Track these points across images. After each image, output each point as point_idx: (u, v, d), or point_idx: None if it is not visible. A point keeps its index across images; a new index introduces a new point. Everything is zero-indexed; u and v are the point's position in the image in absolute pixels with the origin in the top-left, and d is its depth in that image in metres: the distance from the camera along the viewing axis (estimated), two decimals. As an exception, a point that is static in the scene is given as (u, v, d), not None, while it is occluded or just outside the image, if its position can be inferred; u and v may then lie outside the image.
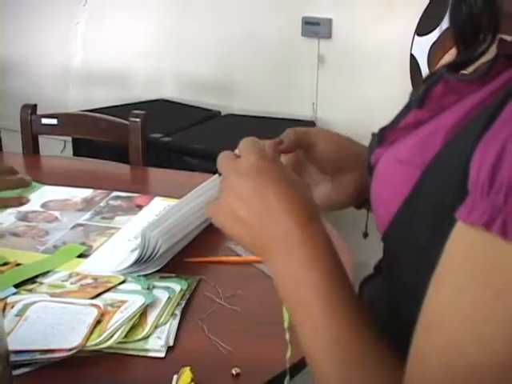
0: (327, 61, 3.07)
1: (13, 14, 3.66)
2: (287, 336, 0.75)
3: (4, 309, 1.26)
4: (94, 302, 1.28)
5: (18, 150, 2.27)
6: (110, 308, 1.26)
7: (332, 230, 1.58)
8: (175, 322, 1.24)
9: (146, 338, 1.19)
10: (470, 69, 0.71)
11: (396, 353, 0.63)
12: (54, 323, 1.21)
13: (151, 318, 1.24)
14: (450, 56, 0.76)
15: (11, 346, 1.02)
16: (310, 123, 3.04)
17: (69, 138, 3.19)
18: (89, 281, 1.38)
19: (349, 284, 0.67)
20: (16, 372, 1.09)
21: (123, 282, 1.37)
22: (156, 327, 1.22)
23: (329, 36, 3.04)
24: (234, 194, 0.71)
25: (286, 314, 0.74)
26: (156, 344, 1.18)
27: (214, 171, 1.85)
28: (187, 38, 3.32)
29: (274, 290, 0.70)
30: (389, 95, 2.74)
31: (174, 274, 1.40)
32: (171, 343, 1.19)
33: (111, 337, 1.17)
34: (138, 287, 1.34)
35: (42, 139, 2.30)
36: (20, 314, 1.25)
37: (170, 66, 3.40)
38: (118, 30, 3.47)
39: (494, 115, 0.55)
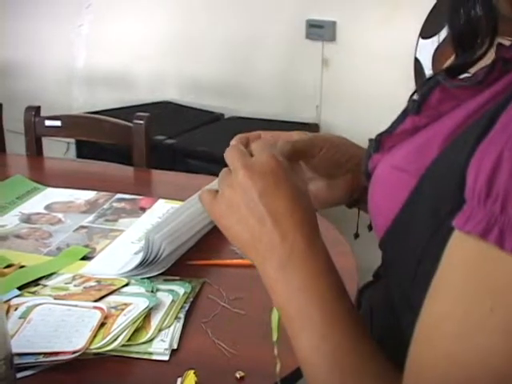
0: (331, 63, 3.07)
1: (16, 16, 3.66)
2: (275, 351, 0.74)
3: (7, 311, 1.26)
4: (98, 304, 1.28)
5: (21, 152, 2.28)
6: (113, 311, 1.26)
7: (333, 229, 1.58)
8: (179, 325, 1.24)
9: (150, 341, 1.19)
10: (472, 71, 0.71)
11: (392, 364, 0.62)
12: (57, 326, 1.21)
13: (155, 321, 1.24)
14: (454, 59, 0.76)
15: (15, 349, 1.02)
16: (314, 126, 3.03)
17: (72, 140, 3.19)
18: (92, 283, 1.37)
19: (347, 295, 0.67)
20: (20, 375, 1.08)
21: (127, 284, 1.36)
22: (160, 330, 1.22)
23: (333, 39, 3.03)
24: (241, 193, 0.68)
25: (276, 327, 0.73)
26: (160, 347, 1.17)
27: (218, 174, 1.85)
28: (191, 41, 3.32)
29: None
30: (393, 98, 2.73)
31: (177, 277, 1.40)
32: (175, 346, 1.18)
33: (115, 340, 1.17)
34: (141, 290, 1.34)
35: (45, 141, 2.30)
36: (24, 316, 1.24)
37: (173, 68, 3.40)
38: (122, 32, 3.47)
39: (491, 123, 0.54)
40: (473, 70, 0.70)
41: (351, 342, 0.63)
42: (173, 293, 1.33)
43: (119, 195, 1.84)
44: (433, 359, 0.52)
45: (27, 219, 1.71)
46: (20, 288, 1.35)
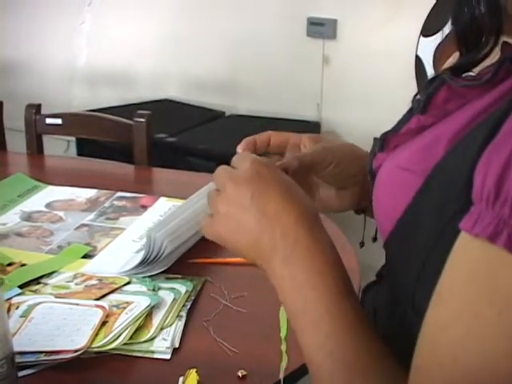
0: (332, 61, 3.06)
1: (17, 14, 3.66)
2: (283, 347, 0.74)
3: (9, 310, 1.25)
4: (99, 303, 1.27)
5: (22, 150, 2.27)
6: (115, 309, 1.25)
7: (337, 231, 1.57)
8: (181, 324, 1.24)
9: (152, 339, 1.19)
10: (476, 69, 0.70)
11: (398, 363, 0.62)
12: (59, 324, 1.21)
13: (157, 320, 1.24)
14: (455, 58, 0.75)
15: (16, 348, 1.02)
16: (315, 124, 3.03)
17: (72, 138, 3.19)
18: (94, 282, 1.37)
19: (353, 291, 0.66)
20: (21, 373, 1.08)
21: (128, 283, 1.36)
22: (162, 329, 1.22)
23: (334, 37, 3.03)
24: (234, 203, 0.69)
25: (285, 323, 0.73)
26: (162, 346, 1.17)
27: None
28: (191, 38, 3.32)
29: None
30: (393, 96, 2.73)
31: (179, 275, 1.40)
32: (177, 345, 1.18)
33: (117, 338, 1.16)
34: (143, 288, 1.34)
35: (45, 139, 2.29)
36: (25, 315, 1.24)
37: (174, 66, 3.40)
38: (123, 29, 3.47)
39: (499, 123, 0.53)
40: (477, 70, 0.70)
41: (357, 341, 0.62)
42: (174, 291, 1.33)
43: (120, 193, 1.84)
44: (439, 364, 0.52)
45: (28, 217, 1.70)
46: (21, 286, 1.35)
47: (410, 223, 0.61)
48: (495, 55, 0.68)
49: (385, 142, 0.71)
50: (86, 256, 1.50)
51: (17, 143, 2.40)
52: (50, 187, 1.88)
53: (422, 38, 2.76)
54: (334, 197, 0.89)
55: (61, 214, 1.73)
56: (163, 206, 1.74)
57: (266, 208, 0.67)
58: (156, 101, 3.33)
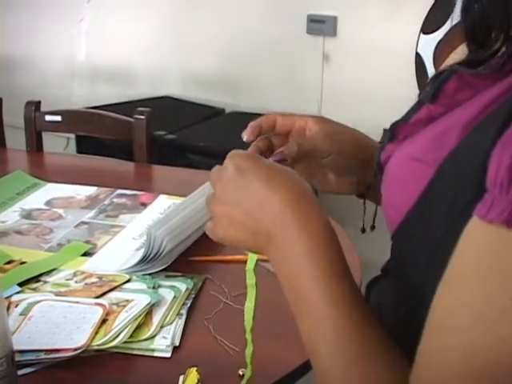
0: (332, 58, 3.06)
1: (17, 11, 3.65)
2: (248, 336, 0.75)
3: (8, 308, 1.25)
4: (99, 301, 1.27)
5: (21, 147, 2.27)
6: (115, 307, 1.25)
7: (335, 225, 1.57)
8: (181, 322, 1.23)
9: (152, 337, 1.18)
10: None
11: (400, 354, 0.61)
12: (58, 322, 1.20)
13: (157, 318, 1.23)
14: (456, 55, 0.75)
15: (16, 346, 1.01)
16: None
17: (72, 135, 3.19)
18: (93, 280, 1.37)
19: (349, 272, 0.66)
20: (21, 372, 1.08)
21: (128, 280, 1.36)
22: (162, 327, 1.21)
23: (334, 34, 3.03)
24: (222, 201, 0.71)
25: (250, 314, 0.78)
26: (162, 344, 1.17)
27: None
28: (192, 35, 3.31)
29: (280, 289, 0.69)
30: (394, 93, 2.73)
31: (179, 273, 1.39)
32: (177, 343, 1.18)
33: (117, 336, 1.16)
34: (143, 286, 1.33)
35: (44, 136, 2.29)
36: (24, 313, 1.24)
37: (174, 63, 3.39)
38: (123, 26, 3.46)
39: (511, 113, 0.53)
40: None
41: (354, 324, 0.62)
42: (175, 289, 1.33)
43: (120, 191, 1.84)
44: (445, 349, 0.52)
45: (28, 215, 1.70)
46: (21, 284, 1.35)
47: (422, 214, 0.61)
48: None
49: (394, 133, 0.71)
50: (86, 254, 1.49)
51: (16, 140, 2.39)
52: (50, 185, 1.87)
53: (422, 35, 2.76)
54: (333, 181, 0.90)
55: (60, 211, 1.72)
56: (163, 204, 1.74)
57: (253, 199, 0.68)
58: (156, 98, 3.33)
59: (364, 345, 0.62)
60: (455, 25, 2.51)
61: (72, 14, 3.54)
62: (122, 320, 1.20)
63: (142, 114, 2.13)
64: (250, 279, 0.82)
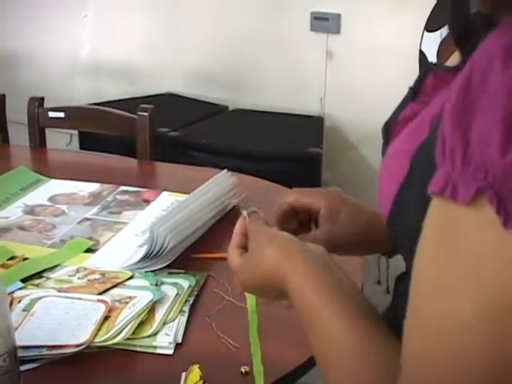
0: (336, 56, 3.06)
1: (20, 6, 3.65)
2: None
3: (11, 304, 1.25)
4: (102, 297, 1.27)
5: (24, 143, 2.27)
6: (117, 304, 1.25)
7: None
8: (183, 319, 1.24)
9: (155, 334, 1.18)
10: None
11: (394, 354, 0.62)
12: (61, 319, 1.20)
13: (159, 315, 1.23)
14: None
15: (18, 342, 1.01)
16: (318, 118, 3.03)
17: (75, 132, 3.19)
18: (96, 276, 1.37)
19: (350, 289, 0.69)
20: (23, 367, 1.08)
21: (131, 277, 1.36)
22: (164, 324, 1.21)
23: (337, 31, 3.02)
24: (242, 287, 0.86)
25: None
26: (164, 341, 1.17)
27: (222, 166, 1.84)
28: (195, 32, 3.31)
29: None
30: (397, 91, 2.72)
31: (182, 270, 1.39)
32: (179, 340, 1.18)
33: (119, 333, 1.16)
34: (146, 283, 1.33)
35: (47, 132, 2.29)
36: (27, 309, 1.24)
37: (177, 60, 3.39)
38: (126, 23, 3.46)
39: None
40: None
41: (358, 335, 0.64)
42: (177, 286, 1.33)
43: (123, 187, 1.84)
44: (414, 320, 0.54)
45: (31, 211, 1.70)
46: (23, 280, 1.35)
47: (403, 202, 0.64)
48: None
49: (388, 133, 0.75)
50: (89, 250, 1.49)
51: (19, 136, 2.39)
52: (53, 181, 1.87)
53: (425, 33, 2.75)
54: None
55: (63, 207, 1.72)
56: (166, 201, 1.74)
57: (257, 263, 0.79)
58: (159, 95, 3.32)
59: (368, 350, 0.64)
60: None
61: (75, 10, 3.53)
62: (125, 317, 1.20)
63: (146, 111, 2.13)
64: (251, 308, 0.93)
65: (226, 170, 1.71)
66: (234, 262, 0.85)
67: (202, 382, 1.05)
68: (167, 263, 1.40)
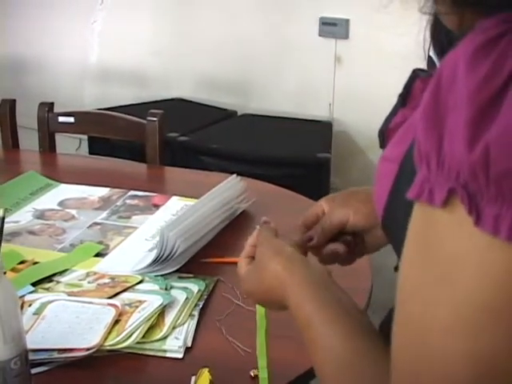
0: (344, 61, 3.06)
1: (30, 12, 3.67)
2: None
3: (21, 307, 1.26)
4: (112, 301, 1.27)
5: (34, 148, 2.28)
6: (127, 308, 1.26)
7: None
8: (193, 323, 1.24)
9: (164, 338, 1.19)
10: None
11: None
12: (71, 322, 1.21)
13: (169, 319, 1.24)
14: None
15: (29, 345, 1.02)
16: (327, 123, 3.03)
17: (84, 136, 3.20)
18: (106, 280, 1.37)
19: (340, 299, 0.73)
20: (34, 370, 1.08)
21: (141, 281, 1.36)
22: (174, 328, 1.22)
23: (346, 36, 3.03)
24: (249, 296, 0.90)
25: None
26: (174, 345, 1.17)
27: (231, 171, 1.84)
28: (204, 38, 3.32)
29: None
30: (406, 96, 2.71)
31: (191, 275, 1.40)
32: (189, 344, 1.18)
33: (129, 337, 1.17)
34: (155, 287, 1.34)
35: (57, 137, 2.30)
36: (38, 312, 1.25)
37: (186, 65, 3.40)
38: (135, 28, 3.47)
39: None
40: None
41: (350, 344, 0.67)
42: (187, 290, 1.33)
43: (132, 192, 1.84)
44: (395, 323, 0.55)
45: (41, 215, 1.71)
46: (34, 284, 1.36)
47: (392, 209, 0.65)
48: None
49: (383, 139, 0.75)
50: (99, 254, 1.50)
51: (29, 141, 2.40)
52: (63, 185, 1.88)
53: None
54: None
55: (73, 212, 1.73)
56: (175, 205, 1.74)
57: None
58: (168, 100, 3.33)
59: (362, 360, 0.66)
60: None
61: (85, 15, 3.55)
62: (135, 321, 1.21)
63: (155, 116, 2.14)
64: (260, 313, 0.98)
65: (235, 175, 1.72)
66: (241, 271, 0.88)
67: (211, 385, 1.05)
68: (177, 267, 1.40)
